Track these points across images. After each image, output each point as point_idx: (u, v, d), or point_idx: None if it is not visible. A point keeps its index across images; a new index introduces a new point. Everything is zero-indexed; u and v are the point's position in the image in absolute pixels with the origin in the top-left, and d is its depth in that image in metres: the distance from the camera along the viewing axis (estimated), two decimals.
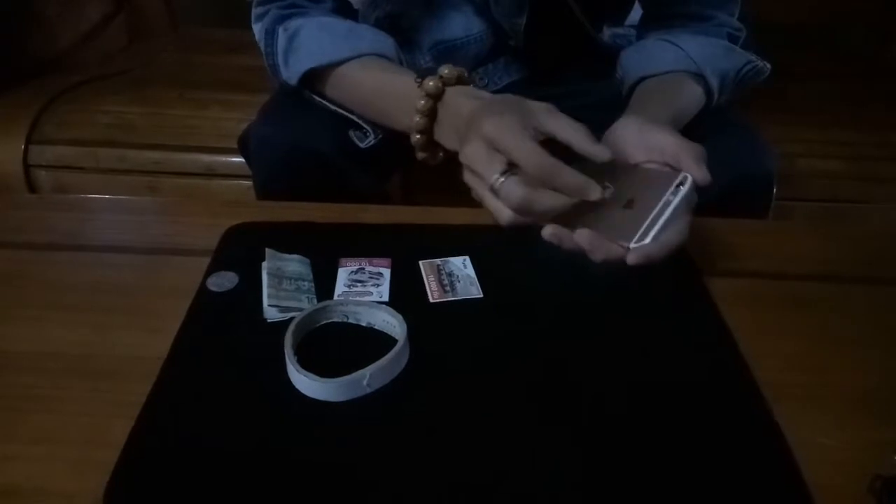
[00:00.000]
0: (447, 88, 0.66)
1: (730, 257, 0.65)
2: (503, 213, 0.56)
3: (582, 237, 0.52)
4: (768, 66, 0.79)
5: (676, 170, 0.55)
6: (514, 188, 0.54)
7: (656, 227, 0.51)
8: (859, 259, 0.67)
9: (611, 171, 0.57)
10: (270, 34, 0.76)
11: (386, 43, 0.75)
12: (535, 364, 0.51)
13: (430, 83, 0.65)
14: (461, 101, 0.64)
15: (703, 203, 0.58)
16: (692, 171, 0.54)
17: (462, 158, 0.58)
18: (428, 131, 0.67)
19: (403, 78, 0.69)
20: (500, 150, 0.55)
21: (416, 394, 0.48)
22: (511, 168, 0.55)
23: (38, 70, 1.26)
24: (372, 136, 0.74)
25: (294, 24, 0.75)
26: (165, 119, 1.15)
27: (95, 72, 1.31)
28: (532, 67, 0.91)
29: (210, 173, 1.08)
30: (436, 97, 0.65)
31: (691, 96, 0.75)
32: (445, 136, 0.67)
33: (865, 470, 0.43)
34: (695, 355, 0.53)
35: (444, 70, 0.66)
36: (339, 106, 0.77)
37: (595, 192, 0.54)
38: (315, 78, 0.76)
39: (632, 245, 0.51)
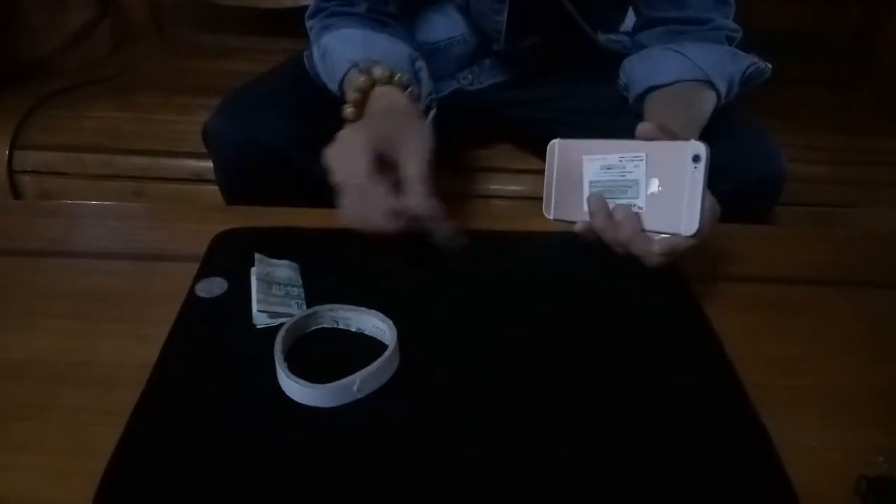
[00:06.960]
0: (376, 87, 0.68)
1: (716, 261, 0.65)
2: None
3: (625, 227, 0.53)
4: (769, 66, 0.80)
5: (679, 138, 0.54)
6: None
7: (697, 209, 0.51)
8: (844, 263, 0.68)
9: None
10: (310, 57, 0.78)
11: (396, 51, 0.74)
12: (525, 369, 0.52)
13: (361, 80, 0.67)
14: (376, 102, 0.67)
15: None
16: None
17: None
18: (358, 117, 0.69)
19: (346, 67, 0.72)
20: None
21: (406, 399, 0.48)
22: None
23: (23, 75, 1.24)
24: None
25: (324, 41, 0.77)
26: (152, 124, 1.14)
27: (80, 77, 1.29)
28: (516, 69, 0.91)
29: (197, 179, 1.07)
30: (363, 92, 0.68)
31: (707, 104, 0.75)
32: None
33: (851, 471, 0.44)
34: (682, 359, 0.54)
35: (377, 71, 0.68)
36: None
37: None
38: None
39: (689, 234, 0.52)
